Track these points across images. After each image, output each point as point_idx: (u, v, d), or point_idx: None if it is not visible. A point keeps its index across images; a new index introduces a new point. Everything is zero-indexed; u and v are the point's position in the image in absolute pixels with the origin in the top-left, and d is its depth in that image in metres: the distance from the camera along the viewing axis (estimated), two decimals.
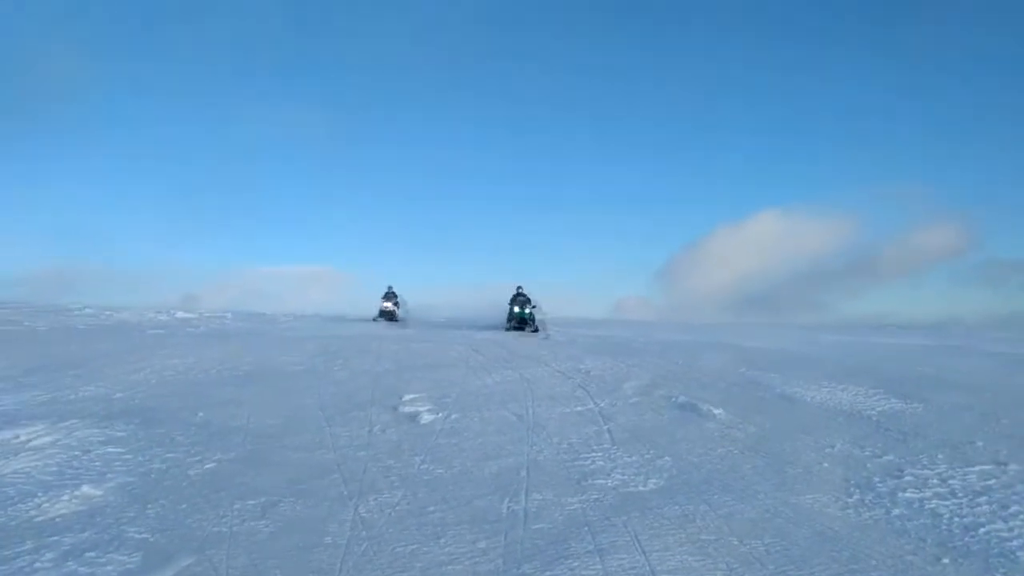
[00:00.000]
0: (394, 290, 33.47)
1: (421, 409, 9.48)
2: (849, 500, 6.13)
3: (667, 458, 7.25)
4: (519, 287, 26.89)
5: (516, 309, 26.17)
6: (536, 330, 25.11)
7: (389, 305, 32.80)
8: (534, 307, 26.22)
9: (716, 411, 9.46)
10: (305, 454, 7.29)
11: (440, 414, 9.24)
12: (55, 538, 5.00)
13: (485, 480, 6.53)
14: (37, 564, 4.57)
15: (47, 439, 7.40)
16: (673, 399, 10.43)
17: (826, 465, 7.14)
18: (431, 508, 5.78)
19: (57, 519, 5.38)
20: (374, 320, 32.10)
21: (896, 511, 5.88)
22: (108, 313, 26.75)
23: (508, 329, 25.68)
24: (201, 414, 8.96)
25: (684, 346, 18.51)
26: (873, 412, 9.71)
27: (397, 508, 5.79)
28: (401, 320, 32.51)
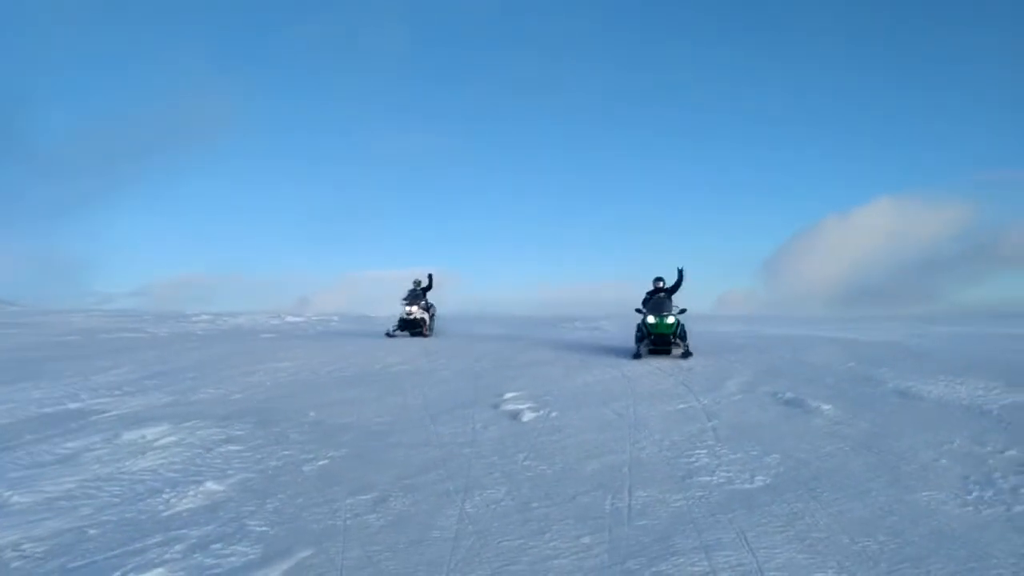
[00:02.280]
0: (423, 286, 22.04)
1: (522, 407, 9.58)
2: (968, 497, 5.86)
3: (774, 455, 7.10)
4: (658, 281, 16.09)
5: (652, 319, 15.16)
6: (688, 353, 14.82)
7: (414, 310, 21.36)
8: (682, 311, 15.46)
9: (824, 407, 9.18)
10: (412, 451, 7.49)
11: (541, 412, 9.31)
12: (182, 531, 5.32)
13: (588, 477, 6.56)
14: (167, 555, 4.87)
15: (171, 439, 7.86)
16: (779, 395, 10.18)
17: (943, 462, 6.84)
18: (535, 504, 5.85)
19: (183, 513, 5.72)
20: (389, 335, 21.49)
21: (1018, 508, 5.59)
22: (224, 319, 28.08)
23: (642, 354, 15.05)
24: (312, 413, 9.32)
25: (790, 340, 18.00)
26: (994, 406, 9.21)
27: (502, 504, 5.89)
28: (434, 332, 22.09)
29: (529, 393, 10.68)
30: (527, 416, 9.13)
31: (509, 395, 10.49)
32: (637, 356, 14.88)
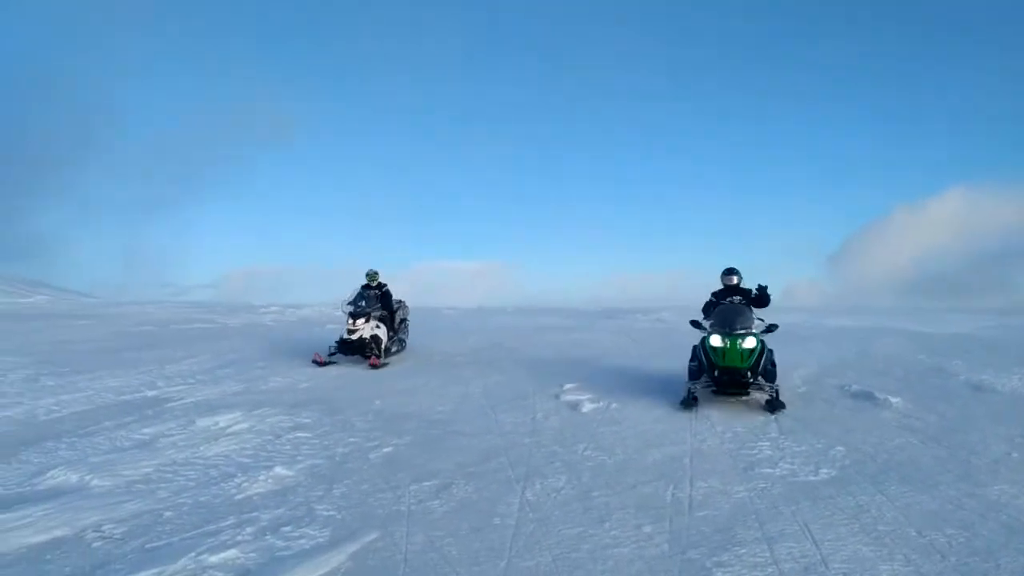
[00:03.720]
0: (378, 286, 14.27)
1: (582, 398, 9.60)
2: None
3: (839, 448, 6.98)
4: (731, 275, 10.38)
5: (717, 341, 9.24)
6: (777, 401, 8.97)
7: (360, 324, 13.28)
8: (769, 329, 9.51)
9: (893, 400, 8.97)
10: (473, 439, 7.59)
11: (600, 403, 9.32)
12: (254, 514, 5.50)
13: (648, 467, 6.56)
14: (239, 537, 5.05)
15: (243, 425, 8.12)
16: (846, 387, 9.98)
17: (1016, 456, 6.63)
18: (595, 493, 5.88)
19: (254, 497, 5.92)
20: (317, 363, 13.12)
21: None
22: (291, 310, 28.67)
23: (694, 398, 9.23)
24: (377, 402, 9.51)
25: (857, 332, 17.59)
26: None
27: (562, 492, 5.93)
28: (397, 351, 14.27)
29: (588, 384, 10.69)
30: (587, 407, 9.14)
31: (569, 386, 10.52)
32: (688, 402, 8.98)
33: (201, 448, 7.21)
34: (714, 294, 10.39)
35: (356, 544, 4.93)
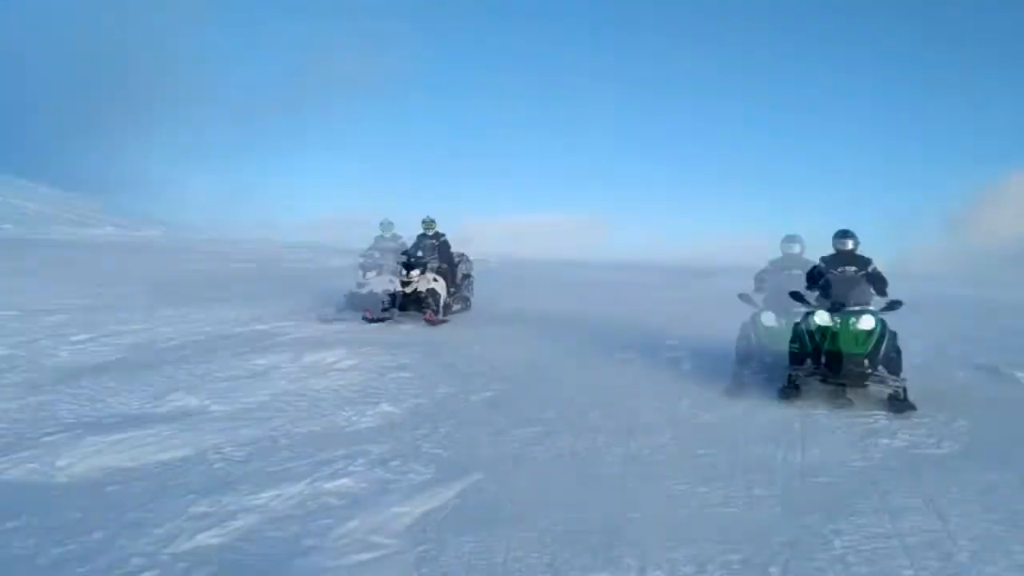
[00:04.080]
0: (435, 235, 13.16)
1: (682, 355, 9.43)
2: None
3: (962, 421, 6.62)
4: (845, 239, 8.20)
5: (823, 318, 7.41)
6: (903, 400, 7.05)
7: (415, 276, 11.85)
8: (891, 306, 7.63)
9: (1020, 375, 8.45)
10: (573, 391, 7.55)
11: (703, 360, 9.12)
12: (363, 447, 5.63)
13: (756, 428, 6.37)
14: (351, 468, 5.18)
15: (349, 362, 8.32)
16: (968, 359, 9.47)
17: None
18: (701, 451, 5.76)
19: (363, 431, 6.07)
20: (369, 320, 11.54)
21: None
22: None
23: (803, 379, 7.45)
24: (477, 347, 9.57)
25: (979, 302, 16.67)
26: None
27: (667, 448, 5.84)
28: (461, 310, 13.29)
29: (689, 342, 10.47)
30: (687, 365, 8.98)
31: (669, 342, 10.34)
32: (788, 392, 7.29)
33: (311, 381, 7.43)
34: (824, 260, 8.14)
35: (462, 482, 4.98)
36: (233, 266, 18.93)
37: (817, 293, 7.84)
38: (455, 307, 12.84)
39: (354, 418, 6.34)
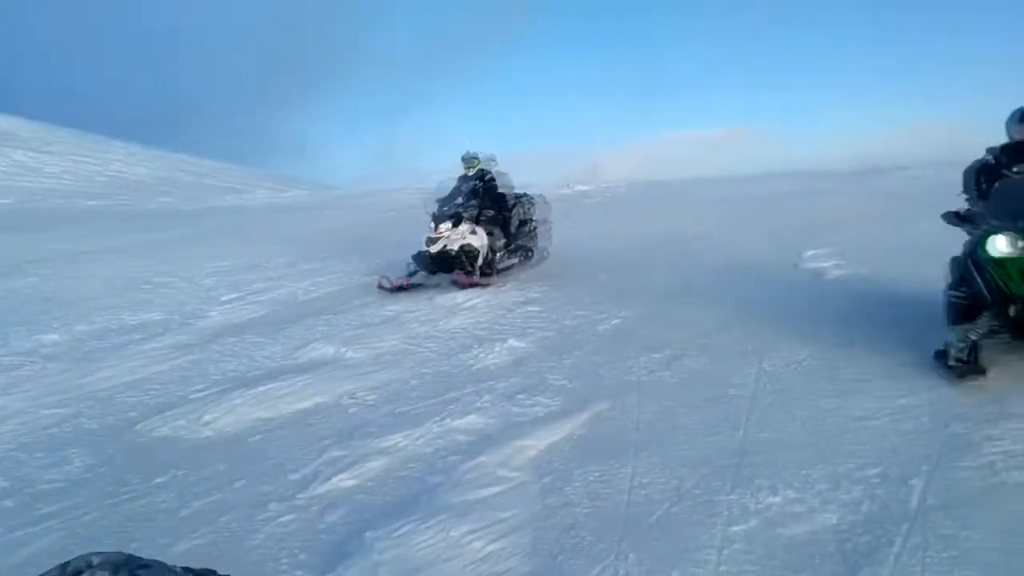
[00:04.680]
0: (479, 175, 10.07)
1: (826, 264, 8.90)
2: None
3: None
4: None
5: (1004, 249, 4.65)
6: None
7: (444, 231, 9.26)
8: None
9: None
10: (704, 312, 7.28)
11: (848, 270, 8.57)
12: (491, 383, 5.70)
13: (901, 340, 5.86)
14: (478, 403, 5.26)
15: (478, 300, 8.38)
16: None
17: None
18: (841, 364, 5.43)
19: (491, 367, 6.13)
20: (384, 287, 9.28)
21: None
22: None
23: (974, 356, 4.87)
24: (603, 277, 9.40)
25: None
26: None
27: (804, 364, 5.55)
28: (519, 263, 10.32)
29: (834, 251, 9.81)
30: (832, 274, 8.48)
31: (810, 252, 9.75)
32: (965, 365, 4.85)
33: (440, 323, 7.55)
34: (1006, 148, 5.52)
35: (588, 412, 4.96)
36: (372, 217, 19.44)
37: (988, 205, 5.17)
38: (510, 261, 10.15)
39: (482, 355, 6.40)
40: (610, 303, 7.92)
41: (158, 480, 4.25)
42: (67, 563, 1.26)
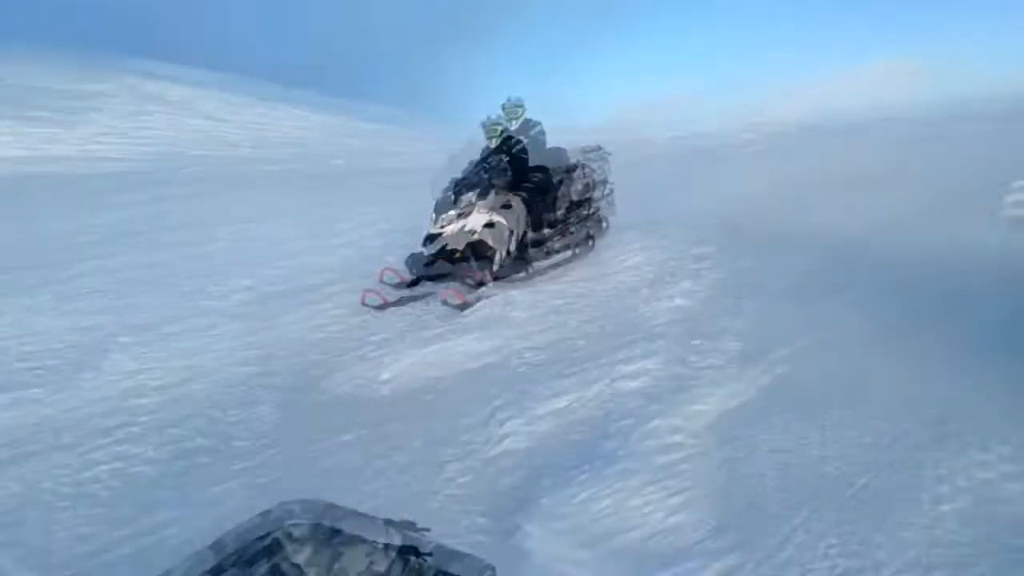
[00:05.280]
0: (508, 146, 7.38)
1: None
2: None
3: None
4: None
5: None
6: None
7: (447, 223, 6.79)
8: None
9: None
10: (895, 265, 6.68)
11: None
12: (660, 342, 5.50)
13: None
14: (648, 366, 5.09)
15: (640, 245, 8.05)
16: None
17: None
18: None
19: (661, 323, 5.92)
20: (371, 305, 6.62)
21: None
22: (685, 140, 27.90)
23: None
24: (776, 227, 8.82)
25: None
26: None
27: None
28: (573, 256, 7.81)
29: None
30: None
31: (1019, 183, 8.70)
32: None
33: (605, 278, 7.32)
34: None
35: (766, 371, 4.70)
36: None
37: None
38: (559, 255, 7.71)
39: (648, 312, 6.20)
40: (779, 254, 7.45)
41: (343, 438, 4.39)
42: (268, 511, 1.25)
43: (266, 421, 4.73)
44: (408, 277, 7.02)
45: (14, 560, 3.20)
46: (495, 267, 6.95)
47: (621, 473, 3.74)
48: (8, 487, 3.86)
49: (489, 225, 6.93)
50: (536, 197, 7.41)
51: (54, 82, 20.06)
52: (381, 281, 7.00)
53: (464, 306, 6.52)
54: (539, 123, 7.87)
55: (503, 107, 7.73)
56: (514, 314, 6.40)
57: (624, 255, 8.01)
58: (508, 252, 7.06)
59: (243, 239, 9.53)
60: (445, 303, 6.56)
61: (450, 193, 6.95)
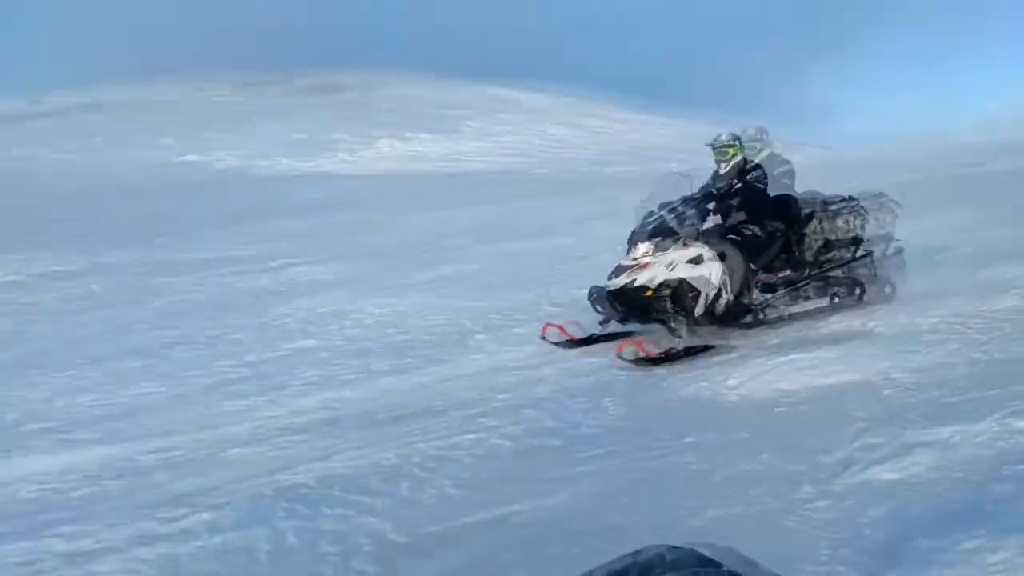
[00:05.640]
0: (741, 171, 6.35)
1: None
2: None
3: None
4: None
5: None
6: None
7: (644, 254, 5.83)
8: None
9: None
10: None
11: None
12: None
13: None
14: None
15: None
16: None
17: None
18: None
19: None
20: (563, 342, 6.11)
21: None
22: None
23: None
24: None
25: None
26: None
27: None
28: (837, 303, 6.57)
29: None
30: None
31: None
32: None
33: (993, 300, 6.34)
34: None
35: None
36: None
37: None
38: (805, 304, 6.48)
39: None
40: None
41: (687, 439, 4.26)
42: (639, 551, 1.15)
43: (611, 413, 4.79)
44: (572, 335, 6.13)
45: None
46: (698, 308, 5.83)
47: (1020, 525, 3.14)
48: (385, 451, 4.29)
49: (695, 262, 5.82)
50: (773, 236, 6.28)
51: (422, 106, 22.92)
52: (543, 338, 6.15)
53: (656, 361, 5.53)
54: (788, 162, 6.64)
55: (710, 145, 6.60)
56: (878, 330, 5.81)
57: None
58: (711, 300, 5.89)
59: (585, 237, 9.88)
60: (621, 358, 5.53)
61: (651, 220, 6.00)
